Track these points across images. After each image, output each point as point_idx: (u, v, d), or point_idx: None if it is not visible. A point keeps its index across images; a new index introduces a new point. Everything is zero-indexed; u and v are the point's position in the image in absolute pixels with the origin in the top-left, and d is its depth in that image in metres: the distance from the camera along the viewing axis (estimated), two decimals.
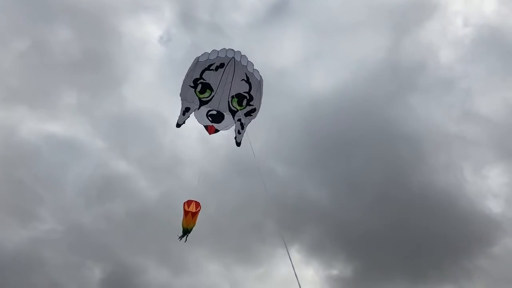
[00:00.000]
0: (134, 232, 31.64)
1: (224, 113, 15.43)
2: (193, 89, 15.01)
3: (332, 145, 34.31)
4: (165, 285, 30.31)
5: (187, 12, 42.17)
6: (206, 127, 15.73)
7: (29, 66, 37.05)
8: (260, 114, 15.62)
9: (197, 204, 13.86)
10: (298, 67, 40.30)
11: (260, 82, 15.01)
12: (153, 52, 42.57)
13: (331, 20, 42.54)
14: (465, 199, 32.80)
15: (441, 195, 32.32)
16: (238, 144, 15.41)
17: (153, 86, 40.17)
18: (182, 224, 13.83)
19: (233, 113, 15.28)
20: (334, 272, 32.99)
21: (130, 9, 41.97)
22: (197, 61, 14.76)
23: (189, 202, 13.84)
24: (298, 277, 9.29)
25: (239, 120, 15.33)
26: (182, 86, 15.09)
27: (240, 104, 15.11)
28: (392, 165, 34.08)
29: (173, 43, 43.95)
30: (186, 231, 13.82)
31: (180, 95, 15.24)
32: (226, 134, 16.17)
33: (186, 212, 13.69)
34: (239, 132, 15.32)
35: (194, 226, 13.80)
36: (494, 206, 33.48)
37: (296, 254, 31.24)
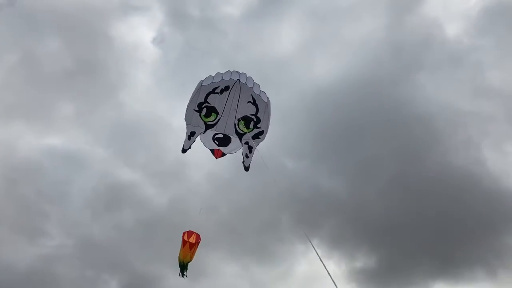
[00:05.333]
0: (147, 240, 30.48)
1: (231, 136, 15.04)
2: (198, 113, 14.68)
3: (341, 132, 32.52)
4: None
5: (177, 10, 40.88)
6: (213, 151, 15.35)
7: (22, 79, 36.22)
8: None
9: (198, 236, 13.22)
10: (298, 55, 38.42)
11: (267, 104, 14.65)
12: (147, 54, 41.36)
13: (328, 3, 40.80)
14: (488, 177, 31.17)
15: (461, 174, 30.83)
16: (247, 168, 15.01)
17: (150, 89, 39.14)
18: (179, 257, 13.18)
19: (240, 136, 14.88)
20: (358, 264, 31.37)
21: (118, 11, 40.69)
22: (201, 85, 14.41)
23: (189, 233, 13.26)
24: (325, 266, 9.05)
25: (247, 143, 14.93)
26: (186, 111, 14.77)
27: (247, 126, 14.76)
28: (405, 147, 32.21)
29: (167, 44, 42.50)
30: (182, 266, 13.12)
31: (185, 119, 14.92)
32: None
33: (184, 242, 13.06)
34: (247, 156, 14.88)
35: (190, 260, 13.10)
36: None
37: (316, 249, 30.07)
